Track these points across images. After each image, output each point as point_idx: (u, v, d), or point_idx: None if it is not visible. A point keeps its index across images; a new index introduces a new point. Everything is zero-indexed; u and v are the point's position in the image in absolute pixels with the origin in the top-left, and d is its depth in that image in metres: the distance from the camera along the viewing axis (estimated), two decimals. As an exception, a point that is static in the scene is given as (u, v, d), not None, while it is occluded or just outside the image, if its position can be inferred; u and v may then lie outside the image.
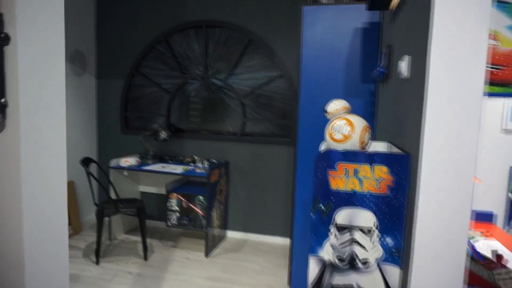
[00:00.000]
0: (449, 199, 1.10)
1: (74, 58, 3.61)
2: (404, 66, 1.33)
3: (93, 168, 3.78)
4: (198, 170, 3.31)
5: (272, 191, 3.55)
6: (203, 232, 3.51)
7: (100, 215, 2.92)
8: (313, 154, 2.50)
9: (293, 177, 2.55)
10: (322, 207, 1.26)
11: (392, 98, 1.70)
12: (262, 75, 3.49)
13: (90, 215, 3.94)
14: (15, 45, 0.98)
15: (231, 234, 3.69)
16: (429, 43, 1.06)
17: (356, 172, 1.22)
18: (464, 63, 1.04)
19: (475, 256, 1.44)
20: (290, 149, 3.46)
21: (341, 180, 1.23)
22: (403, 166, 1.19)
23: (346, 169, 1.23)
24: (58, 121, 1.10)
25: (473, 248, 1.47)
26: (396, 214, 1.22)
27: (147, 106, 3.86)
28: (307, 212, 2.52)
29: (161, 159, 3.76)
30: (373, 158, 1.21)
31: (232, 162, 3.63)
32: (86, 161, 3.07)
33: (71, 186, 3.59)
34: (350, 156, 1.22)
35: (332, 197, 1.25)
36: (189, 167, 3.44)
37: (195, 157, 3.63)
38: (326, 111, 1.48)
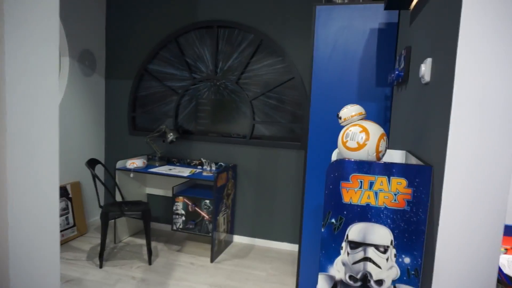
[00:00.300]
0: (477, 216, 0.99)
1: (83, 57, 3.58)
2: (426, 69, 1.22)
3: (99, 169, 3.74)
4: (205, 173, 3.23)
5: (280, 196, 3.45)
6: (208, 237, 3.43)
7: (104, 218, 2.87)
8: (324, 160, 2.40)
9: (303, 183, 2.45)
10: (334, 222, 1.16)
11: (410, 103, 1.59)
12: (273, 77, 3.40)
13: (96, 216, 3.89)
14: (1, 44, 0.92)
15: (238, 239, 3.60)
16: (456, 45, 0.96)
17: (371, 184, 1.12)
18: (495, 67, 0.93)
19: (499, 277, 1.32)
20: (300, 154, 3.36)
21: (354, 192, 1.13)
22: (424, 179, 1.09)
23: (360, 181, 1.13)
24: (50, 124, 1.03)
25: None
26: (414, 231, 1.11)
27: (155, 107, 3.80)
28: (316, 219, 2.42)
29: (168, 161, 3.70)
30: (390, 170, 1.10)
31: (240, 165, 3.54)
32: (91, 163, 3.02)
33: (77, 187, 3.56)
34: (365, 167, 1.12)
35: (344, 211, 1.15)
36: (196, 170, 3.36)
37: (203, 160, 3.55)
38: (339, 117, 1.38)
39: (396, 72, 1.78)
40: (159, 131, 3.58)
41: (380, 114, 2.24)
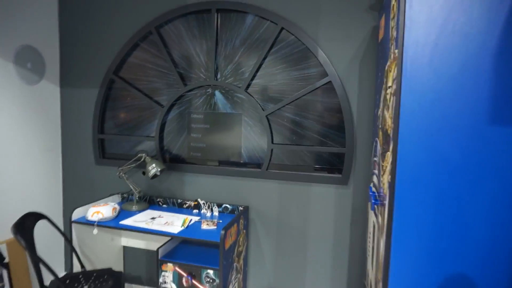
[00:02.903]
0: None
1: (22, 57, 2.49)
2: None
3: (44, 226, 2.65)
4: (205, 226, 2.18)
5: (313, 252, 2.42)
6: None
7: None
8: (433, 230, 1.37)
9: (386, 267, 1.42)
10: None
11: None
12: (298, 81, 2.37)
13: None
14: None
15: (253, 311, 2.55)
16: None
17: None
18: None
19: None
20: (343, 191, 2.33)
21: None
22: None
23: None
24: None
25: None
26: None
27: (131, 126, 2.73)
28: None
29: (151, 203, 2.63)
30: None
31: (253, 207, 2.50)
32: (27, 221, 1.94)
33: (17, 246, 2.46)
34: None
35: None
36: (191, 219, 2.30)
37: (200, 201, 2.50)
38: None
39: None
40: (138, 160, 2.51)
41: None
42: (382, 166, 1.56)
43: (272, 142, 2.43)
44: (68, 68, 2.80)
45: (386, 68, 1.57)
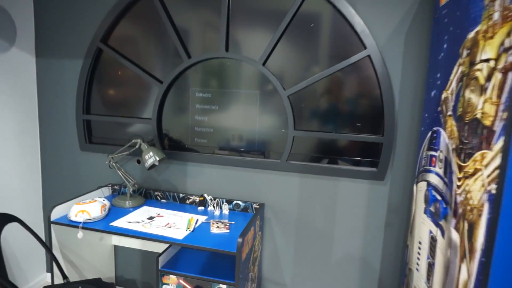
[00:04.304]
0: None
1: (-12, 18, 2.01)
2: None
3: (16, 229, 2.24)
4: (215, 230, 1.79)
5: (339, 259, 2.07)
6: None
7: None
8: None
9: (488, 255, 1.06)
10: None
11: None
12: (327, 55, 1.96)
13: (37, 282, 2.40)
14: None
15: (266, 322, 2.22)
16: None
17: None
18: None
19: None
20: (378, 187, 1.96)
21: None
22: None
23: None
24: None
25: None
26: None
27: (123, 105, 2.29)
28: None
29: (148, 197, 2.23)
30: None
31: (269, 205, 2.12)
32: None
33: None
34: None
35: None
36: (197, 217, 1.91)
37: (207, 197, 2.11)
38: None
39: None
40: (132, 146, 2.09)
41: None
42: (462, 166, 1.18)
43: (294, 128, 2.02)
44: (45, 33, 2.31)
45: (474, 35, 1.17)
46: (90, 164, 2.35)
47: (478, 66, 1.12)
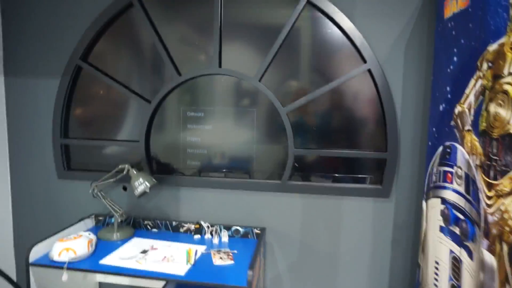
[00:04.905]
0: None
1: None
2: None
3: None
4: (218, 262, 1.64)
5: (344, 281, 1.97)
6: None
7: None
8: None
9: None
10: None
11: None
12: (327, 69, 1.89)
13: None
14: None
15: None
16: None
17: None
18: None
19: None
20: (383, 205, 1.90)
21: None
22: None
23: None
24: None
25: None
26: None
27: (106, 128, 2.10)
28: None
29: (136, 227, 2.03)
30: None
31: (270, 229, 1.99)
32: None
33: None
34: None
35: None
36: (196, 247, 1.75)
37: (203, 224, 1.95)
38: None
39: None
40: (119, 172, 1.90)
41: None
42: (493, 184, 1.12)
43: (295, 145, 1.93)
44: (16, 49, 2.09)
45: (498, 47, 1.13)
46: (69, 193, 2.13)
47: (507, 79, 1.07)
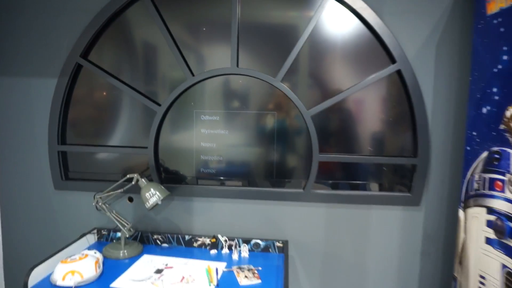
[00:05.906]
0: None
1: None
2: None
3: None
4: (244, 282, 1.47)
5: (374, 294, 1.84)
6: None
7: None
8: None
9: None
10: None
11: None
12: (350, 70, 1.77)
13: None
14: None
15: None
16: None
17: None
18: None
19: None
20: (413, 213, 1.78)
21: None
22: None
23: None
24: None
25: None
26: None
27: (108, 134, 1.91)
28: None
29: (144, 242, 1.84)
30: None
31: (292, 241, 1.84)
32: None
33: None
34: None
35: None
36: (214, 264, 1.58)
37: (221, 238, 1.78)
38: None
39: None
40: (127, 182, 1.71)
41: None
42: None
43: (319, 151, 1.79)
44: (7, 47, 1.87)
45: None
46: (67, 205, 1.92)
47: None
